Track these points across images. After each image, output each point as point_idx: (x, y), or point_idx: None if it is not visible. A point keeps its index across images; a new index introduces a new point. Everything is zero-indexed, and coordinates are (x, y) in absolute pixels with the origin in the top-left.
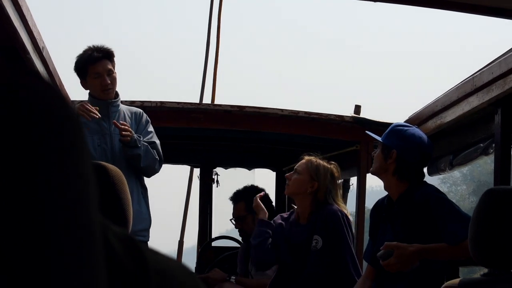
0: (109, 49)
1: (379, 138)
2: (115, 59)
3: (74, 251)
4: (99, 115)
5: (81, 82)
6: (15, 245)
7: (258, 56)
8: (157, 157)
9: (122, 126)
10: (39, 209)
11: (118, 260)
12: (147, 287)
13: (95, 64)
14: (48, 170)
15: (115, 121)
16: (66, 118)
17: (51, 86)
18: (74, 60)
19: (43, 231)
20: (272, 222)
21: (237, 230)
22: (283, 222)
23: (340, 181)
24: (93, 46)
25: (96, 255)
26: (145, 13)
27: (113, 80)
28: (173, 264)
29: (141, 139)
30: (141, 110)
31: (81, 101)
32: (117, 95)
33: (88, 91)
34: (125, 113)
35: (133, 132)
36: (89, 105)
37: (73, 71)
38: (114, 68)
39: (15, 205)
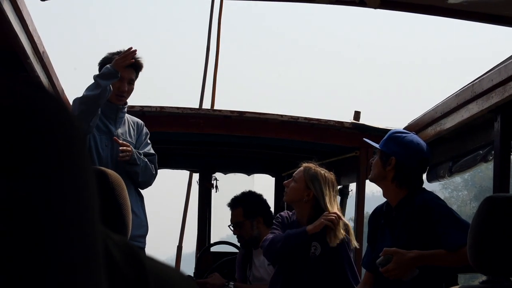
0: (141, 62)
1: (377, 145)
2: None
3: (76, 261)
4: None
5: None
6: (15, 255)
7: (258, 61)
8: (154, 172)
9: (122, 148)
10: (41, 220)
11: (118, 269)
12: None
13: (124, 67)
14: (49, 179)
15: (115, 138)
16: (68, 129)
17: (54, 97)
18: (105, 54)
19: (44, 242)
20: (278, 215)
21: (236, 236)
22: (288, 218)
23: (339, 186)
24: None
25: (98, 265)
26: (145, 19)
27: (130, 90)
28: (172, 272)
29: (141, 154)
30: (143, 122)
31: None
32: (125, 103)
33: None
34: (129, 121)
35: (133, 150)
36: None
37: (98, 63)
38: (135, 80)
39: (17, 215)
